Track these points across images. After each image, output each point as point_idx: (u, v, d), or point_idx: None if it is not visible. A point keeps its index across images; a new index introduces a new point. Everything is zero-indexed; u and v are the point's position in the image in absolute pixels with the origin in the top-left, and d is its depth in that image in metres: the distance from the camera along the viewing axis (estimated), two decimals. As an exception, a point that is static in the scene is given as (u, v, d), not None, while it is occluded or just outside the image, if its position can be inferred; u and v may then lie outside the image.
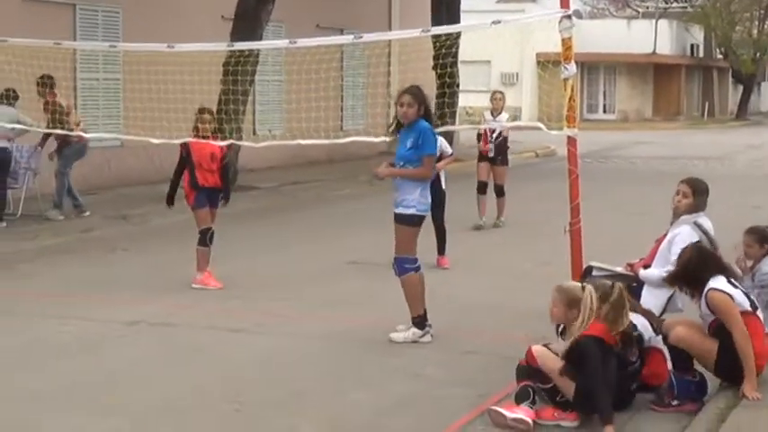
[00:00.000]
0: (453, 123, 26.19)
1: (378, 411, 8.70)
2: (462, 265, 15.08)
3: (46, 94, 18.51)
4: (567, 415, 8.30)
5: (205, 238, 13.50)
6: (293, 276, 14.18)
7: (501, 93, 19.31)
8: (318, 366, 10.05)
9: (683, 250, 9.17)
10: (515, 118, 17.24)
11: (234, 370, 9.88)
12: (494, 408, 8.38)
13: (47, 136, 18.47)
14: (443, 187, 15.06)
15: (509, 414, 8.23)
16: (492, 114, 18.77)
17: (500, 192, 19.20)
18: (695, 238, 9.70)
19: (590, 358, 8.06)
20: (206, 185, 13.53)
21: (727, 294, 8.67)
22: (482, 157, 19.02)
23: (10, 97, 18.06)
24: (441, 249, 15.08)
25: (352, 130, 28.42)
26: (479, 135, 19.19)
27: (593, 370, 8.03)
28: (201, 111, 13.86)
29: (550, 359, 8.36)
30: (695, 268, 8.89)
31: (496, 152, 18.91)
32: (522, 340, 9.41)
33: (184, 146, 13.62)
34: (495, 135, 18.81)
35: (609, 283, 8.82)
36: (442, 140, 15.17)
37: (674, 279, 9.16)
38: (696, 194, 10.00)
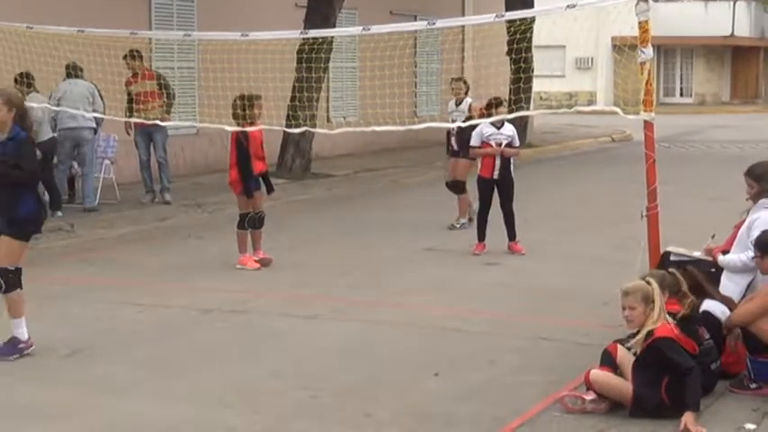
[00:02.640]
0: (528, 109, 25.98)
1: (452, 398, 8.67)
2: (537, 251, 14.99)
3: (137, 68, 18.61)
4: None
5: (244, 221, 13.93)
6: (369, 263, 14.19)
7: (460, 79, 18.13)
8: (394, 354, 10.05)
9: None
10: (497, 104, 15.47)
11: (308, 356, 9.91)
12: (570, 393, 8.34)
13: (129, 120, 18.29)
14: (512, 174, 14.97)
15: (588, 397, 8.19)
16: (456, 104, 17.53)
17: (459, 189, 17.16)
18: (772, 224, 9.54)
19: (672, 351, 8.00)
20: (257, 173, 13.92)
21: None
22: (449, 150, 17.53)
23: (77, 69, 17.97)
24: (511, 235, 15.00)
25: (427, 116, 28.37)
26: (449, 131, 17.52)
27: (677, 362, 7.98)
28: (254, 98, 13.95)
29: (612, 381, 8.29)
30: None
31: (459, 144, 16.90)
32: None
33: (244, 135, 13.68)
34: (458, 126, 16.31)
35: (660, 271, 8.83)
36: (513, 130, 15.11)
37: (761, 245, 9.00)
38: (760, 180, 9.84)
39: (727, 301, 9.20)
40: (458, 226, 16.80)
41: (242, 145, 13.73)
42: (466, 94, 17.59)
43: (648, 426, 7.91)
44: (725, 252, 9.92)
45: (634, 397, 8.05)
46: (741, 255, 9.48)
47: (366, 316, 11.33)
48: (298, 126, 16.29)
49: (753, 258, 9.14)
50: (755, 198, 9.81)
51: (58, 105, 17.24)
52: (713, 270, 9.71)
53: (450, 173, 17.32)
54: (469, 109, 17.03)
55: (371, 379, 9.21)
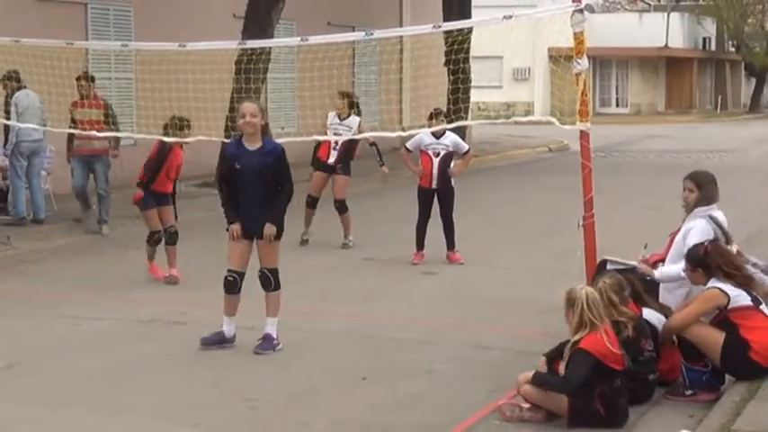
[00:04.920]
0: (466, 119, 26.09)
1: (391, 408, 8.68)
2: (475, 260, 15.04)
3: (90, 89, 17.66)
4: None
5: (152, 238, 13.86)
6: (307, 273, 14.15)
7: (347, 95, 16.86)
8: (332, 363, 10.04)
9: (703, 244, 9.15)
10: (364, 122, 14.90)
11: (247, 367, 9.87)
12: (508, 401, 8.38)
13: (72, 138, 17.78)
14: (452, 184, 15.03)
15: (525, 405, 8.23)
16: (339, 117, 16.43)
17: (341, 208, 16.43)
18: (709, 231, 9.64)
19: (573, 366, 8.08)
20: (158, 190, 13.72)
21: (722, 292, 8.74)
22: (319, 164, 16.46)
23: (14, 79, 17.43)
24: (450, 245, 15.04)
25: (366, 127, 28.36)
26: (319, 143, 16.53)
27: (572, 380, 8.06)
28: (186, 120, 13.86)
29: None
30: (711, 260, 8.91)
31: (337, 160, 16.37)
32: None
33: (167, 148, 13.58)
34: (340, 142, 16.24)
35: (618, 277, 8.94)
36: (456, 138, 15.17)
37: (692, 258, 9.09)
38: (702, 187, 9.94)
39: (664, 310, 9.29)
40: (351, 244, 16.28)
41: (160, 156, 13.57)
42: (352, 109, 16.63)
43: (587, 433, 7.97)
44: (662, 261, 10.01)
45: (570, 408, 8.08)
46: (680, 266, 9.54)
47: (304, 326, 11.30)
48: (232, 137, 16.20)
49: (684, 271, 9.23)
50: (693, 205, 9.88)
51: (22, 116, 16.99)
52: (649, 278, 9.80)
53: (311, 187, 16.45)
54: (359, 127, 16.36)
55: (309, 389, 9.19)
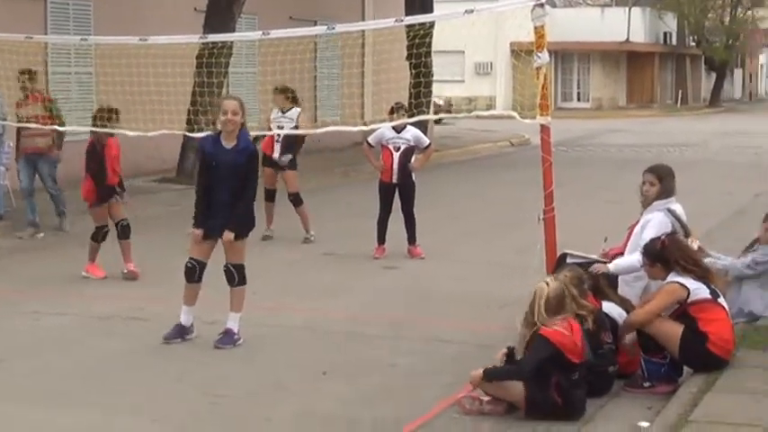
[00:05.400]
0: (428, 113, 26.13)
1: (353, 402, 8.71)
2: (436, 254, 15.08)
3: (30, 83, 17.36)
4: None
5: (99, 234, 13.68)
6: (268, 268, 14.14)
7: (285, 89, 16.63)
8: (296, 358, 10.05)
9: (660, 239, 9.21)
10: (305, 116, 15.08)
11: (209, 362, 9.86)
12: (467, 394, 8.42)
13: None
14: (413, 179, 15.06)
15: (485, 398, 8.28)
16: (282, 111, 16.37)
17: (295, 201, 16.46)
18: (668, 224, 9.73)
19: (531, 352, 8.14)
20: (110, 184, 13.62)
21: (682, 286, 8.83)
22: (265, 159, 16.04)
23: None
24: (411, 239, 15.08)
25: (328, 121, 28.37)
26: (258, 138, 16.13)
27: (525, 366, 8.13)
28: (114, 111, 13.79)
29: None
30: (669, 254, 8.97)
31: (282, 153, 16.35)
32: None
33: (100, 145, 13.49)
34: (283, 136, 16.21)
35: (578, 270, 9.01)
36: (417, 132, 15.20)
37: (650, 253, 9.15)
38: (662, 180, 10.02)
39: (624, 303, 9.36)
40: (312, 238, 16.27)
41: (96, 154, 13.51)
42: (293, 102, 16.52)
43: (543, 427, 8.01)
44: (621, 254, 10.08)
45: (526, 397, 8.13)
46: (635, 257, 9.61)
47: (267, 320, 11.30)
48: (199, 131, 16.15)
49: (642, 266, 9.30)
50: (654, 198, 9.96)
51: None
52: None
53: (264, 181, 16.06)
54: (298, 118, 16.28)
55: (272, 384, 9.20)
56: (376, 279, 13.72)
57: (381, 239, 15.02)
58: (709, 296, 8.90)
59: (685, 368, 8.98)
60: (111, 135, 13.65)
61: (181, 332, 10.49)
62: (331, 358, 10.00)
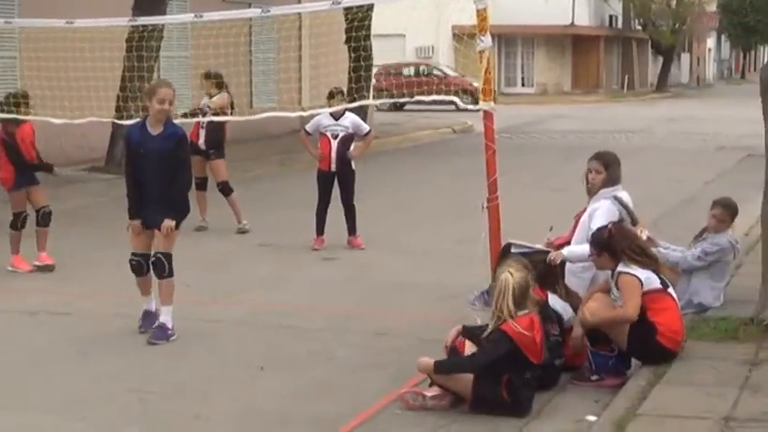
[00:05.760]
0: (368, 98, 26.10)
1: (289, 397, 8.66)
2: (377, 245, 15.07)
3: None
4: None
5: (17, 221, 13.57)
6: (201, 259, 14.06)
7: (209, 74, 16.71)
8: (228, 352, 9.99)
9: (607, 227, 9.23)
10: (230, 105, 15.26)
11: (137, 358, 9.78)
12: (410, 389, 8.41)
13: None
14: (353, 167, 15.02)
15: (428, 393, 8.28)
16: (210, 97, 16.36)
17: (224, 190, 16.44)
18: (615, 212, 9.76)
19: (490, 346, 8.13)
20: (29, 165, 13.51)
21: (636, 277, 8.82)
22: (193, 148, 15.38)
23: None
24: (351, 229, 15.05)
25: (263, 107, 28.24)
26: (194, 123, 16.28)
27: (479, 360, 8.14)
28: (22, 95, 13.65)
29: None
30: (616, 243, 9.00)
31: (207, 144, 16.30)
32: None
33: (10, 134, 13.35)
34: (207, 124, 16.14)
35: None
36: (356, 119, 15.16)
37: (597, 242, 9.17)
38: (608, 168, 10.06)
39: (570, 294, 9.39)
40: (246, 228, 16.22)
41: (7, 143, 13.36)
42: (219, 87, 16.48)
43: (490, 423, 8.01)
44: (567, 243, 10.11)
45: (474, 391, 8.13)
46: (586, 245, 9.62)
47: (199, 314, 11.22)
48: (129, 118, 16.02)
49: (589, 257, 9.32)
50: (600, 186, 9.99)
51: None
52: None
53: (195, 170, 14.87)
54: (213, 101, 16.21)
55: (204, 379, 9.14)
56: (315, 270, 13.68)
57: (320, 230, 14.97)
58: (659, 286, 8.95)
59: (634, 360, 9.02)
60: (20, 122, 13.44)
61: (154, 318, 10.50)
62: (267, 352, 9.95)
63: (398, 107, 47.40)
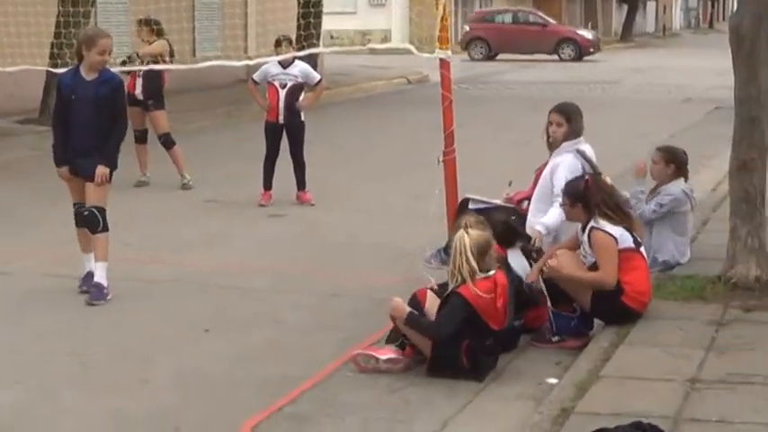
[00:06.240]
0: (318, 47, 26.01)
1: (236, 360, 8.67)
2: (327, 200, 15.06)
3: None
4: None
5: None
6: (142, 217, 14.01)
7: (144, 20, 16.61)
8: (172, 315, 9.98)
9: (585, 178, 9.25)
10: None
11: (78, 320, 9.76)
12: (362, 351, 8.44)
13: None
14: (302, 119, 14.98)
15: (381, 356, 8.32)
16: (149, 44, 16.25)
17: (166, 142, 16.31)
18: (577, 167, 9.80)
19: (446, 311, 8.16)
20: None
21: (611, 236, 8.85)
22: (132, 100, 15.42)
23: None
24: (300, 184, 15.02)
25: (207, 56, 28.10)
26: (130, 73, 15.99)
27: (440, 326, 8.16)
28: None
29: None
30: (592, 195, 9.02)
31: (145, 94, 16.15)
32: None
33: None
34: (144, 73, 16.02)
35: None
36: (306, 67, 15.11)
37: (572, 193, 9.19)
38: (570, 120, 10.08)
39: (526, 251, 9.42)
40: (190, 184, 16.12)
41: None
42: (158, 35, 16.28)
43: (446, 386, 8.06)
44: (527, 198, 10.15)
45: (432, 354, 8.17)
46: (558, 211, 9.64)
47: (141, 274, 11.20)
48: (64, 66, 15.89)
49: (562, 206, 9.33)
50: (561, 139, 10.02)
51: None
52: (514, 218, 9.92)
53: (132, 122, 14.75)
54: (151, 47, 16.06)
55: (147, 342, 9.12)
56: (261, 228, 13.66)
57: (267, 185, 14.95)
58: (632, 245, 9.01)
59: (596, 321, 9.08)
60: None
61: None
62: (212, 314, 9.95)
63: (491, 56, 47.74)
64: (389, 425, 7.40)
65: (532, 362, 8.53)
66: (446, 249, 10.08)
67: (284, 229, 13.61)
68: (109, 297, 10.23)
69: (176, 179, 16.10)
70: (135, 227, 13.01)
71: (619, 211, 9.10)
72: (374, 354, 8.38)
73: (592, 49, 49.29)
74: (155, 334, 9.36)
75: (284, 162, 14.99)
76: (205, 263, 11.77)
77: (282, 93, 14.77)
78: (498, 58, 49.01)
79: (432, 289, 8.68)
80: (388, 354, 8.36)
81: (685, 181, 11.04)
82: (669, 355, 8.18)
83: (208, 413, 7.62)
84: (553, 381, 8.05)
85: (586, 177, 9.27)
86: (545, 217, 9.69)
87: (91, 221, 10.40)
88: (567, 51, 49.16)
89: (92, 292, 10.27)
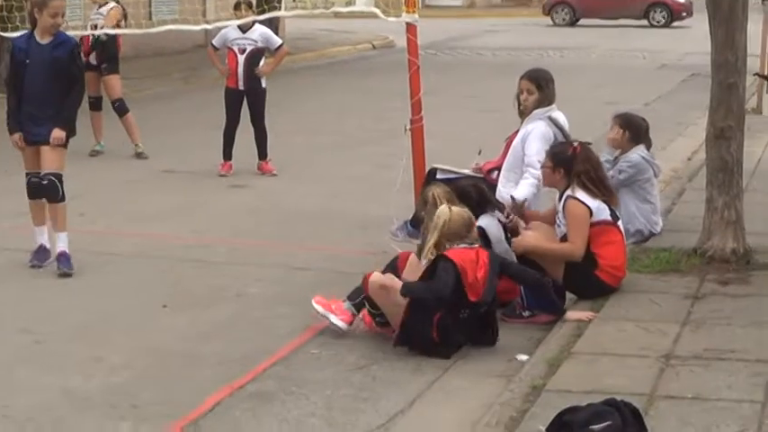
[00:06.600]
0: (279, 10, 25.92)
1: (195, 337, 8.67)
2: (290, 170, 15.05)
3: None
4: (385, 329, 8.48)
5: None
6: (98, 187, 13.96)
7: None
8: (128, 290, 9.95)
9: (573, 145, 9.26)
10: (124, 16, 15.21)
11: (30, 296, 9.73)
12: (321, 310, 8.61)
13: None
14: (263, 85, 14.94)
15: (332, 320, 8.53)
16: (99, 7, 16.08)
17: (119, 108, 16.20)
18: (550, 135, 9.83)
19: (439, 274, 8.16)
20: None
21: (587, 207, 8.89)
22: (86, 65, 14.75)
23: None
24: (262, 153, 14.99)
25: (164, 20, 27.95)
26: (82, 38, 15.32)
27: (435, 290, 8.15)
28: None
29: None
30: (577, 163, 9.04)
31: (99, 58, 16.06)
32: None
33: None
34: (95, 36, 15.90)
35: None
36: (266, 31, 15.06)
37: (557, 157, 9.21)
38: (541, 87, 10.10)
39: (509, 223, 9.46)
40: (144, 153, 16.05)
41: None
42: None
43: (412, 364, 8.08)
44: (497, 168, 10.17)
45: (402, 324, 8.19)
46: (531, 181, 9.67)
47: (95, 247, 11.15)
48: (14, 30, 15.79)
49: (542, 167, 9.30)
50: (533, 106, 10.04)
51: None
52: (483, 187, 9.93)
53: (88, 89, 14.71)
54: (108, 15, 15.89)
55: (103, 319, 9.11)
56: (222, 199, 13.64)
57: (228, 154, 14.92)
58: (609, 218, 9.04)
59: (568, 295, 9.12)
60: None
61: (46, 254, 10.52)
62: (170, 288, 9.94)
63: (574, 22, 47.30)
64: (355, 403, 7.42)
65: (502, 338, 8.53)
66: (412, 221, 10.11)
67: (245, 200, 13.60)
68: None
69: (131, 148, 16.04)
70: (90, 197, 12.97)
71: (600, 186, 9.13)
72: (328, 316, 8.57)
73: (684, 14, 47.07)
74: (111, 309, 9.34)
75: (245, 131, 14.96)
76: (163, 235, 11.75)
77: (242, 58, 14.73)
78: (579, 23, 48.23)
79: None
80: (338, 322, 8.55)
81: (648, 148, 11.10)
82: (643, 331, 8.22)
83: (166, 391, 7.62)
84: (524, 357, 8.08)
85: (576, 144, 9.27)
86: (516, 190, 9.72)
87: (50, 190, 10.39)
88: (658, 17, 48.13)
89: (61, 262, 10.30)
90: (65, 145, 10.41)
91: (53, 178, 10.35)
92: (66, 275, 10.15)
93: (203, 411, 7.24)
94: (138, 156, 16.03)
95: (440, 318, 8.12)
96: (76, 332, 8.78)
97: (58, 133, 10.27)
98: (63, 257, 10.31)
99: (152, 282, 10.18)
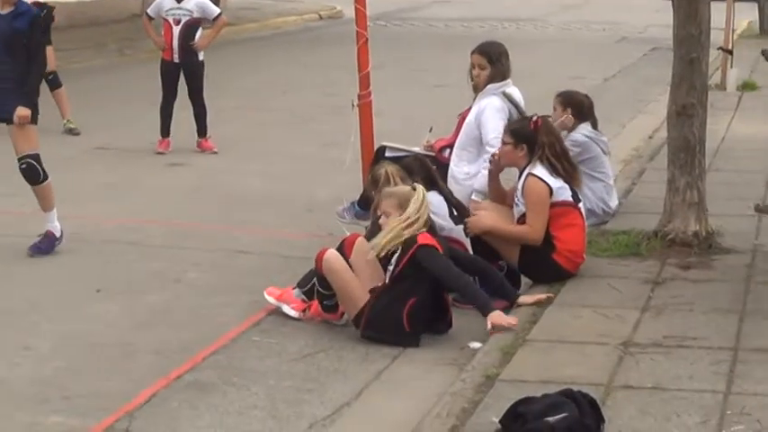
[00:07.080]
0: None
1: (129, 325, 8.64)
2: (231, 148, 15.02)
3: None
4: (331, 315, 8.54)
5: None
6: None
7: None
8: (57, 275, 9.91)
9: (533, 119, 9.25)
10: None
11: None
12: (272, 299, 8.70)
13: None
14: (200, 58, 14.87)
15: (286, 311, 8.63)
16: None
17: (53, 82, 15.97)
18: (504, 110, 9.85)
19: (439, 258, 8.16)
20: None
21: (547, 186, 8.89)
22: None
23: None
24: (201, 130, 14.94)
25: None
26: None
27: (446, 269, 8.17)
28: None
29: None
30: (540, 137, 9.04)
31: None
32: None
33: None
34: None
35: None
36: (203, 1, 14.97)
37: (517, 132, 9.21)
38: (494, 62, 10.11)
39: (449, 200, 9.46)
40: (76, 129, 16.02)
41: None
42: None
43: (358, 352, 8.11)
44: (449, 146, 10.18)
45: (369, 309, 8.19)
46: (482, 167, 9.69)
47: (21, 230, 11.07)
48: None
49: (503, 145, 9.28)
50: (485, 82, 10.05)
51: None
52: (435, 167, 9.94)
53: None
54: None
55: (30, 306, 9.05)
56: (159, 178, 13.59)
57: (165, 131, 14.86)
58: (570, 199, 9.06)
59: (524, 279, 9.15)
60: None
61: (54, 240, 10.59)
62: (104, 273, 9.90)
63: None
64: (299, 394, 7.41)
65: (454, 324, 8.55)
66: (360, 202, 10.11)
67: (184, 179, 13.55)
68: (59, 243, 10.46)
69: (60, 124, 15.92)
70: (18, 176, 12.85)
71: (564, 160, 9.13)
72: (281, 306, 8.65)
73: None
74: (40, 295, 9.30)
75: (184, 106, 14.90)
76: (97, 216, 11.70)
77: (177, 30, 14.66)
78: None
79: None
80: (290, 311, 8.60)
81: (594, 126, 11.13)
82: (601, 317, 8.26)
83: (100, 382, 7.59)
84: (476, 345, 8.09)
85: (535, 118, 9.24)
86: (477, 183, 9.76)
87: (31, 174, 10.43)
88: None
89: (43, 243, 10.41)
90: (34, 121, 10.39)
91: (30, 160, 10.41)
92: (43, 254, 10.29)
93: (139, 403, 7.20)
94: (70, 131, 15.94)
95: (414, 303, 8.11)
96: (2, 319, 8.72)
97: (23, 111, 10.24)
98: (47, 238, 10.42)
99: (84, 266, 10.14)
